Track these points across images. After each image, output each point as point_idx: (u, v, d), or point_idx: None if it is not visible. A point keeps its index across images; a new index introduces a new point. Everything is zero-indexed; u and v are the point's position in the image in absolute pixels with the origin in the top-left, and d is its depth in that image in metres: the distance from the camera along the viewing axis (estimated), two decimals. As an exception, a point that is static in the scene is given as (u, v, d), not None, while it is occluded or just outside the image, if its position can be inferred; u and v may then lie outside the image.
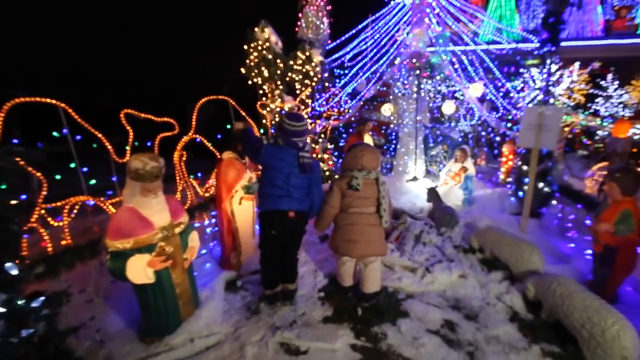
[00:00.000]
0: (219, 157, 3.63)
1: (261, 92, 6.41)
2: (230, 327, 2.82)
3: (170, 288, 2.52)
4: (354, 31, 7.05)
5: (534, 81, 5.54)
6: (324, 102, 6.48)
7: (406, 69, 6.17)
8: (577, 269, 3.30)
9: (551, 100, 4.73)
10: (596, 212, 2.88)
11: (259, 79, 6.34)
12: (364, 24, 6.97)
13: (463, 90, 5.81)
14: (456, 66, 5.97)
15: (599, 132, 9.37)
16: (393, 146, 6.91)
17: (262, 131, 5.83)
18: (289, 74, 6.37)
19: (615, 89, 10.83)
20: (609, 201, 2.76)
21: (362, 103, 6.76)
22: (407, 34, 6.20)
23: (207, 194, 5.05)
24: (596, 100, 11.02)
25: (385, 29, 6.70)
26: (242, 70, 6.39)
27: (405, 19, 6.48)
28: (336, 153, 6.79)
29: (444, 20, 6.13)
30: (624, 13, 16.33)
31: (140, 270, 2.28)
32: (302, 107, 6.32)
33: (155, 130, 4.61)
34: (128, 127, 4.20)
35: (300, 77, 6.36)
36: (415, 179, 6.21)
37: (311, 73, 6.32)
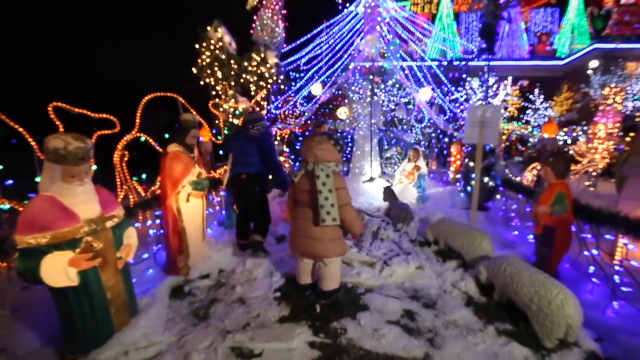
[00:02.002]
0: (162, 150, 3.34)
1: (214, 92, 6.15)
2: (174, 336, 2.52)
3: (99, 292, 2.17)
4: (309, 36, 7.13)
5: (474, 92, 6.04)
6: (280, 105, 6.38)
7: (360, 73, 6.35)
8: (522, 253, 3.49)
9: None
10: (535, 197, 3.09)
11: (212, 79, 6.09)
12: (319, 29, 7.10)
13: (413, 94, 6.10)
14: (406, 72, 6.27)
15: (531, 140, 10.44)
16: (349, 149, 6.99)
17: (214, 131, 5.54)
18: (244, 75, 6.20)
19: (541, 102, 12.23)
20: (545, 185, 2.97)
21: (317, 106, 6.79)
22: (360, 40, 6.40)
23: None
24: (527, 112, 12.32)
25: (339, 35, 6.87)
26: (194, 70, 6.09)
27: (358, 26, 6.70)
28: (292, 157, 6.69)
29: (394, 29, 6.45)
30: (544, 39, 18.85)
31: (59, 270, 1.93)
32: (258, 108, 6.16)
33: (94, 129, 4.15)
34: (58, 123, 3.71)
35: (255, 78, 6.22)
36: (371, 179, 6.31)
37: (266, 75, 6.22)
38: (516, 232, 4.10)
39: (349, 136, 6.93)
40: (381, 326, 2.57)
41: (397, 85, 6.59)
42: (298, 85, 6.90)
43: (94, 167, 3.35)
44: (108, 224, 2.20)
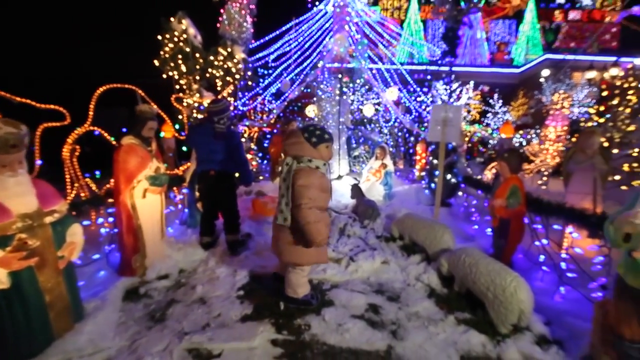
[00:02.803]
0: (116, 143, 3.11)
1: (177, 86, 5.89)
2: (125, 341, 2.34)
3: (34, 295, 1.96)
4: (277, 32, 7.05)
5: (439, 94, 6.28)
6: (248, 102, 6.24)
7: (329, 72, 6.37)
8: (481, 245, 3.64)
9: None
10: (492, 191, 3.23)
11: (175, 72, 5.83)
12: (288, 26, 7.04)
13: (380, 93, 6.22)
14: (374, 71, 6.38)
15: (490, 141, 11.04)
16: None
17: (177, 127, 5.30)
18: (210, 70, 6.00)
19: (500, 107, 12.99)
20: (501, 179, 3.11)
21: (286, 104, 6.72)
22: (329, 39, 6.42)
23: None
24: (487, 116, 13.02)
25: (308, 33, 6.86)
26: (156, 62, 5.80)
27: (327, 25, 6.72)
28: (260, 154, 6.56)
29: (362, 29, 6.55)
30: (503, 48, 20.11)
31: (-16, 270, 1.72)
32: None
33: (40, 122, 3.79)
34: (-5, 112, 3.35)
35: (222, 73, 6.03)
36: (339, 177, 6.34)
37: (233, 70, 6.06)
38: (476, 226, 4.28)
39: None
40: (345, 321, 2.55)
41: (366, 85, 6.68)
42: (266, 82, 6.78)
43: (39, 162, 3.07)
44: (47, 219, 2.00)
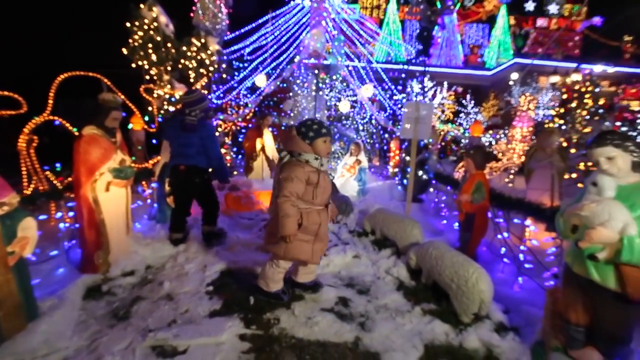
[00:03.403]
0: (77, 133, 2.95)
1: (148, 77, 5.66)
2: (84, 341, 2.25)
3: (-20, 292, 1.83)
4: (254, 25, 6.92)
5: (413, 92, 6.42)
6: (222, 95, 6.10)
7: (305, 67, 6.34)
8: (449, 239, 3.78)
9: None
10: (459, 187, 3.35)
11: (145, 62, 5.60)
12: (265, 19, 6.93)
13: (356, 90, 6.27)
14: (350, 68, 6.42)
15: (463, 141, 11.47)
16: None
17: (147, 118, 5.10)
18: (182, 61, 5.81)
19: (472, 107, 13.52)
20: (467, 175, 3.24)
21: (261, 98, 6.63)
22: (306, 33, 6.39)
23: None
24: (460, 115, 13.52)
25: (285, 27, 6.78)
26: (124, 50, 5.54)
27: (304, 20, 6.68)
28: (235, 149, 6.45)
29: (339, 26, 6.56)
30: (476, 50, 20.88)
31: None
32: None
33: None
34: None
35: (195, 65, 5.86)
36: (315, 173, 6.33)
37: (207, 62, 5.90)
38: (445, 221, 4.44)
39: (294, 130, 6.88)
40: (315, 314, 2.57)
41: (342, 82, 6.71)
42: (241, 75, 6.66)
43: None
44: (-6, 212, 1.87)
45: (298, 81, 6.47)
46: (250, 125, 6.63)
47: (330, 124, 6.92)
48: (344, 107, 6.43)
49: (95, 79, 3.94)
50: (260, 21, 6.96)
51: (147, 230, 4.03)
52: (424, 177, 5.03)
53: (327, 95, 6.77)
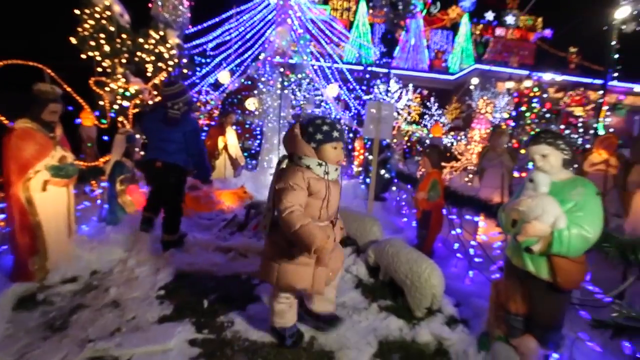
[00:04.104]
0: (9, 125, 2.68)
1: (100, 69, 5.28)
2: (10, 357, 2.03)
3: None
4: (217, 20, 6.71)
5: (377, 95, 6.55)
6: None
7: (270, 65, 6.25)
8: (408, 237, 3.87)
9: (394, 114, 5.62)
10: (417, 185, 3.44)
11: (97, 53, 5.22)
12: (229, 14, 6.73)
13: (321, 89, 6.28)
14: (315, 67, 6.42)
15: (427, 141, 11.91)
16: (258, 142, 6.82)
17: (97, 113, 4.76)
18: (139, 53, 5.48)
19: (436, 110, 14.06)
20: (424, 174, 3.33)
21: (225, 95, 6.45)
22: (272, 31, 6.30)
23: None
24: (424, 117, 14.01)
25: (250, 23, 6.64)
26: (73, 40, 5.13)
27: (270, 17, 6.59)
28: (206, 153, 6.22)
29: (305, 24, 6.54)
30: (440, 56, 21.77)
31: None
32: (155, 92, 5.52)
33: None
34: None
35: (153, 58, 5.55)
36: (280, 172, 6.26)
37: (166, 55, 5.62)
38: (405, 219, 4.55)
39: (258, 128, 6.77)
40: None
41: (308, 80, 6.69)
42: (204, 71, 6.43)
43: None
44: None
45: (263, 79, 6.36)
46: (212, 123, 6.42)
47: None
48: (309, 106, 6.41)
49: (39, 69, 3.61)
50: (224, 16, 6.76)
51: (94, 233, 3.76)
52: (386, 176, 5.14)
53: (292, 94, 6.72)
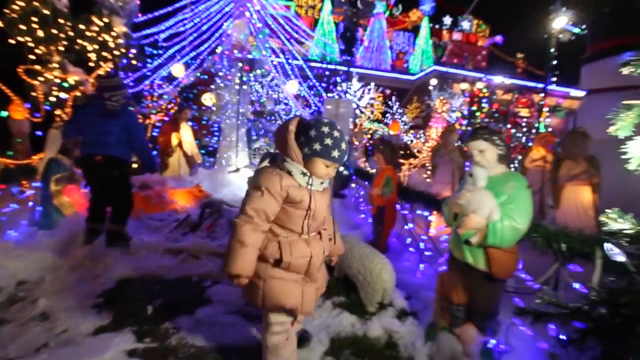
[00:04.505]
0: None
1: (33, 56, 4.78)
2: None
3: None
4: (170, 9, 6.33)
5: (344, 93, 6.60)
6: (132, 83, 5.46)
7: (228, 59, 6.02)
8: (365, 233, 3.91)
9: (357, 112, 5.67)
10: (371, 181, 3.49)
11: (29, 38, 4.71)
12: (183, 3, 6.38)
13: (281, 85, 6.18)
14: (275, 63, 6.30)
15: (391, 139, 12.26)
16: (216, 138, 6.57)
17: (29, 105, 4.30)
18: (79, 41, 5.03)
19: (397, 109, 14.50)
20: (378, 170, 3.38)
21: (179, 89, 6.12)
22: (230, 24, 6.07)
23: None
24: (386, 116, 14.40)
25: (206, 14, 6.35)
26: (-1, 23, 4.58)
27: (227, 9, 6.34)
28: (149, 144, 5.84)
29: (263, 18, 6.38)
30: (402, 56, 22.48)
31: None
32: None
33: None
34: None
35: (96, 47, 5.12)
36: (237, 170, 6.10)
37: (111, 45, 5.20)
38: (363, 215, 4.61)
39: (216, 125, 6.51)
40: (221, 318, 2.43)
41: (268, 77, 6.56)
42: (156, 63, 6.05)
43: None
44: None
45: (221, 74, 6.11)
46: (166, 119, 6.06)
47: (255, 120, 6.75)
48: (269, 102, 6.28)
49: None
50: (177, 5, 6.39)
51: (24, 239, 3.40)
52: (345, 172, 5.18)
53: (251, 90, 6.55)
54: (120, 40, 5.27)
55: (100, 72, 5.18)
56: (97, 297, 2.63)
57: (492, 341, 1.91)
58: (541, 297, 1.22)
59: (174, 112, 5.78)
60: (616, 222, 0.91)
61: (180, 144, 5.45)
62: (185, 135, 5.52)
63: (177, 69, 5.85)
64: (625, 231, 0.88)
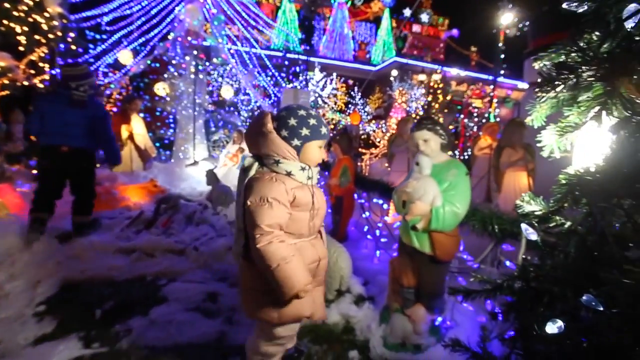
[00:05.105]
0: None
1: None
2: None
3: None
4: (113, -10, 5.83)
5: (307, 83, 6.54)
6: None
7: (181, 46, 5.70)
8: (325, 222, 3.95)
9: (320, 102, 5.64)
10: (330, 172, 3.53)
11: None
12: (127, -17, 5.90)
13: (239, 75, 5.99)
14: (232, 51, 6.08)
15: (353, 130, 12.44)
16: (172, 130, 6.25)
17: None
18: (5, 22, 4.49)
19: (359, 99, 14.72)
20: (336, 160, 3.43)
21: (127, 78, 5.71)
22: (182, 8, 5.73)
23: None
24: (349, 106, 14.58)
25: (155, -3, 5.93)
26: None
27: (178, -8, 5.98)
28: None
29: (218, 4, 6.09)
30: (364, 47, 22.73)
31: None
32: (32, 71, 4.61)
33: None
34: None
35: (26, 29, 4.61)
36: (195, 163, 5.88)
37: (44, 27, 4.71)
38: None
39: (171, 116, 6.19)
40: (176, 316, 2.36)
41: (225, 66, 6.31)
42: (99, 49, 5.58)
43: None
44: None
45: (174, 62, 5.78)
46: (114, 110, 5.64)
47: (213, 111, 6.49)
48: (227, 92, 6.07)
49: None
50: (122, -14, 5.90)
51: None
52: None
53: (208, 79, 6.28)
54: (55, 22, 4.78)
55: (33, 57, 4.69)
56: (38, 304, 2.44)
57: (439, 319, 2.05)
58: (474, 276, 1.32)
59: (122, 102, 5.39)
60: (529, 204, 1.01)
61: (131, 137, 5.12)
62: (136, 128, 5.19)
63: (125, 56, 5.43)
64: (535, 212, 0.98)
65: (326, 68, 14.19)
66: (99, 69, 5.54)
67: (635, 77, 0.79)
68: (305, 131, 1.40)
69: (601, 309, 0.78)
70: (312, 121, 1.43)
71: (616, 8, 0.84)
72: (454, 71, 13.64)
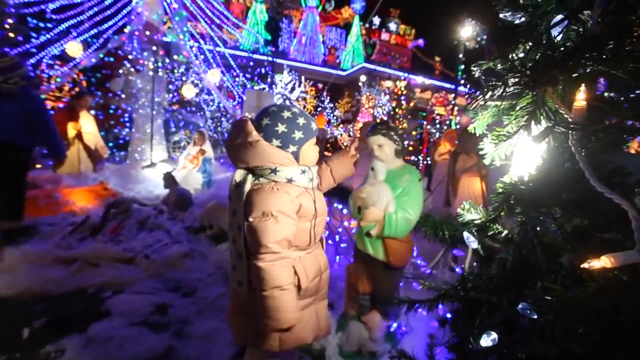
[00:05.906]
0: None
1: None
2: None
3: None
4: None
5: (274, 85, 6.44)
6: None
7: (139, 41, 5.38)
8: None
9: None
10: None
11: None
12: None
13: (202, 74, 5.77)
14: (194, 49, 5.84)
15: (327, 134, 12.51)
16: (127, 130, 5.86)
17: None
18: None
19: (328, 103, 14.86)
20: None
21: (77, 72, 5.29)
22: (139, 0, 5.41)
23: None
24: (318, 110, 14.65)
25: (109, -14, 5.56)
26: None
27: (137, -16, 5.64)
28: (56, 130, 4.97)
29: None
30: (334, 52, 23.02)
31: None
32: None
33: None
34: None
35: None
36: (152, 165, 5.56)
37: (-23, 12, 4.24)
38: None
39: (127, 114, 5.81)
40: (119, 332, 2.17)
41: (187, 63, 6.06)
42: (43, 38, 5.11)
43: None
44: None
45: (130, 57, 5.44)
46: (61, 106, 5.19)
47: (174, 110, 6.18)
48: (188, 92, 5.82)
49: None
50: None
51: None
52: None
53: (167, 77, 5.97)
54: (-9, 8, 4.31)
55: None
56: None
57: (394, 325, 2.05)
58: (422, 283, 1.31)
59: (70, 98, 4.97)
60: (470, 212, 1.01)
61: (79, 136, 4.73)
62: (86, 126, 4.80)
63: (73, 48, 5.01)
64: (475, 221, 0.99)
65: (296, 71, 14.16)
66: (42, 60, 5.08)
67: (558, 86, 0.82)
68: (298, 134, 1.27)
69: (535, 317, 0.79)
70: (300, 121, 1.30)
71: (546, 19, 0.87)
72: (419, 79, 14.18)
